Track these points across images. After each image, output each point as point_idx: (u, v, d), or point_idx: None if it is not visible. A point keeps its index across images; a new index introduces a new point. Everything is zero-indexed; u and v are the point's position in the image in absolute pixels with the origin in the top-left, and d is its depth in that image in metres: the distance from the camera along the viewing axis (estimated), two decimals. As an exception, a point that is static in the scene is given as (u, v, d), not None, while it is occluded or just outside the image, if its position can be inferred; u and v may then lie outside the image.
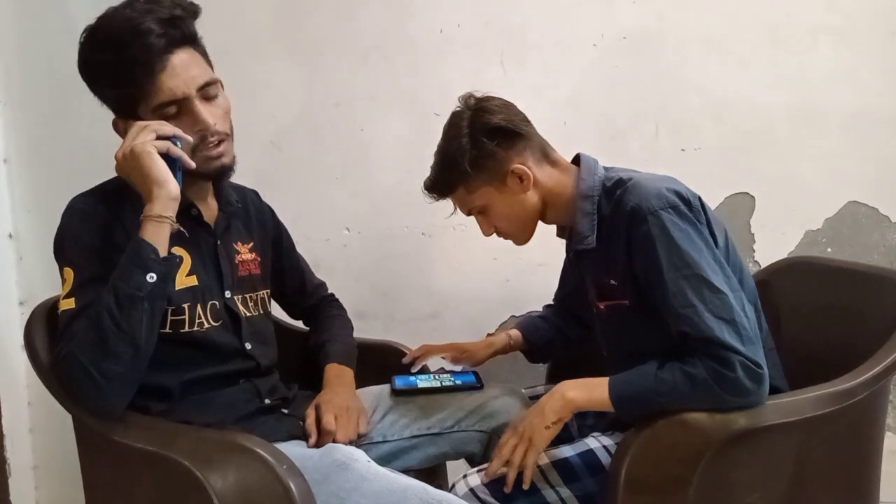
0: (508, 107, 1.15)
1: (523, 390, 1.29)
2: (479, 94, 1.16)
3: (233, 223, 1.17)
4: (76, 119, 1.63)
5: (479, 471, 1.07)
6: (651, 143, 1.70)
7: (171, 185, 0.93)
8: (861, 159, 1.76)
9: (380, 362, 1.34)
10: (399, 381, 1.23)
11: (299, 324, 1.43)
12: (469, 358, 1.36)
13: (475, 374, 1.27)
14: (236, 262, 1.14)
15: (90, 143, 1.65)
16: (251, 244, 1.19)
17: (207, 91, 1.00)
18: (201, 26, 1.02)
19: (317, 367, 1.23)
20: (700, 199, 1.06)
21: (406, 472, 1.07)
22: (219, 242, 1.12)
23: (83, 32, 0.99)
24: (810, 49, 1.72)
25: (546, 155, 1.15)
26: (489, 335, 1.76)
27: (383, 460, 1.13)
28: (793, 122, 1.73)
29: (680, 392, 0.95)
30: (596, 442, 1.08)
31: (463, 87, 1.65)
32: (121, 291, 0.89)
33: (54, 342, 0.95)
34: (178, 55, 0.96)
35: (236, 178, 1.14)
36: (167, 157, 0.95)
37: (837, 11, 1.70)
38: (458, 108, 1.16)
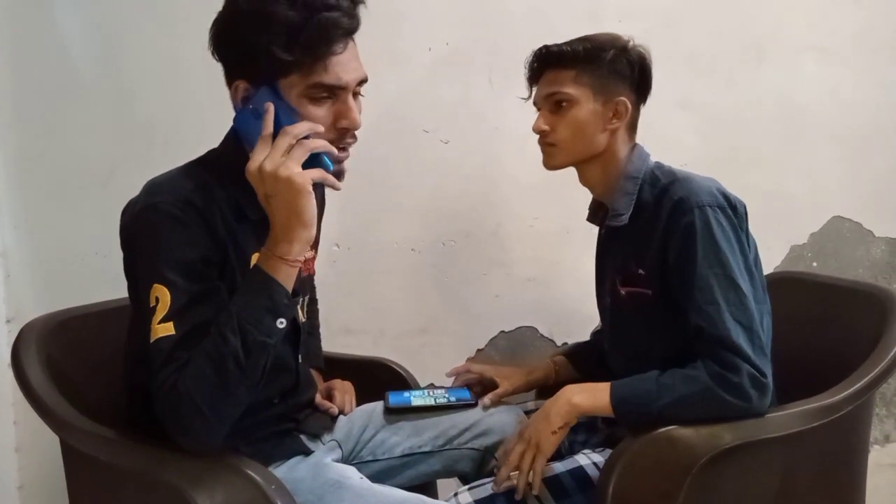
0: (651, 72, 1.17)
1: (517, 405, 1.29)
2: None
3: None
4: (66, 136, 1.63)
5: (470, 488, 1.07)
6: (638, 159, 1.72)
7: (313, 229, 0.87)
8: (845, 175, 1.79)
9: (370, 378, 1.34)
10: (393, 398, 1.23)
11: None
12: (508, 387, 1.27)
13: (470, 390, 1.26)
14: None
15: (80, 160, 1.65)
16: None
17: (358, 89, 0.94)
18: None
19: None
20: (745, 207, 1.08)
21: (397, 490, 1.07)
22: None
23: None
24: (795, 66, 1.75)
25: (634, 128, 1.17)
26: (479, 351, 1.77)
27: (374, 479, 1.11)
28: (778, 138, 1.76)
29: (680, 394, 0.96)
30: (586, 459, 1.09)
31: (452, 103, 1.69)
32: (250, 337, 0.82)
33: (151, 368, 0.85)
34: (350, 43, 0.90)
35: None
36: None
37: (821, 29, 1.73)
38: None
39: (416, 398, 1.23)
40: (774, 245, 1.77)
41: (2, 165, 1.64)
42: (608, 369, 1.22)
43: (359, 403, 1.25)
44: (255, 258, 0.93)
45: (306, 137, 0.86)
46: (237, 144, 0.93)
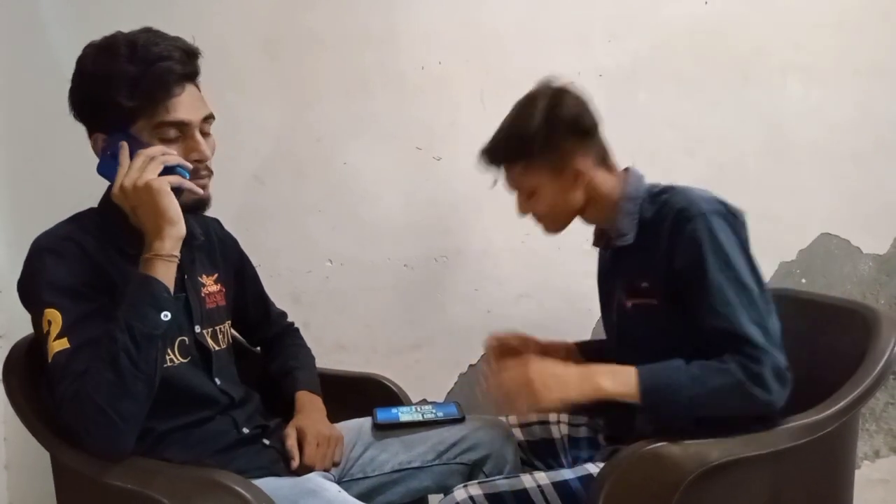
0: (585, 104, 1.14)
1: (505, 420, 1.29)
2: (560, 83, 1.15)
3: (197, 256, 1.14)
4: (59, 156, 1.64)
5: (480, 483, 1.07)
6: (628, 177, 1.74)
7: (181, 225, 0.94)
8: (832, 192, 1.81)
9: (361, 395, 1.34)
10: (381, 415, 1.23)
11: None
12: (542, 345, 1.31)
13: (457, 405, 1.27)
14: (203, 294, 1.12)
15: (73, 180, 1.64)
16: (216, 276, 1.17)
17: (204, 125, 1.03)
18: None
19: (280, 391, 1.24)
20: (744, 215, 1.10)
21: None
22: (185, 276, 1.08)
23: (99, 43, 0.99)
24: (780, 86, 1.77)
25: (604, 159, 1.17)
26: (471, 366, 1.77)
27: (365, 497, 1.12)
28: (764, 157, 1.78)
29: (712, 386, 0.96)
30: (595, 468, 1.08)
31: (444, 122, 1.71)
32: (137, 331, 0.89)
33: (52, 384, 0.89)
34: (189, 85, 1.00)
35: (219, 211, 1.15)
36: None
37: (806, 51, 1.76)
38: (539, 89, 1.15)
39: (404, 414, 1.23)
40: (763, 262, 1.75)
41: (-5, 184, 1.65)
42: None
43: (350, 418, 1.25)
44: None
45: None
46: (111, 199, 1.02)
